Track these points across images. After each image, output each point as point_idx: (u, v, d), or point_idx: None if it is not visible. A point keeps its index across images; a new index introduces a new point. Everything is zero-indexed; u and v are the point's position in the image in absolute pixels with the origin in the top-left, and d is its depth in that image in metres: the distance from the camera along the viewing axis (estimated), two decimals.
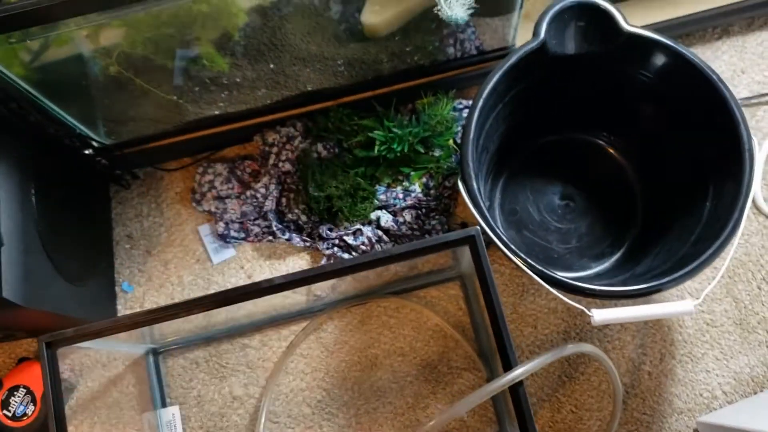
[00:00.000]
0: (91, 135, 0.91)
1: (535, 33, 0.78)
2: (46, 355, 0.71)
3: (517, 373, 0.65)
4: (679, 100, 0.81)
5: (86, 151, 0.92)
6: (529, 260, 0.73)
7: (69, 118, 0.86)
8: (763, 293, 0.91)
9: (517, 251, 0.73)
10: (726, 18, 0.96)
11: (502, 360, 0.67)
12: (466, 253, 0.76)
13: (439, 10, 0.82)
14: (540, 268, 0.72)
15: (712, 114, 0.76)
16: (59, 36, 0.74)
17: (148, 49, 0.86)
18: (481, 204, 0.74)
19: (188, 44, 0.87)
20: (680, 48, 0.77)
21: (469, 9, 0.82)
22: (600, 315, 0.72)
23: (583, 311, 0.73)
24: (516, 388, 0.66)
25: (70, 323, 0.91)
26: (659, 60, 0.78)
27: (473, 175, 0.75)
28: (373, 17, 0.89)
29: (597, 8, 0.77)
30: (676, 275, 0.70)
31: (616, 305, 0.75)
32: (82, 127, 0.89)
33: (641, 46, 0.78)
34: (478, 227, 0.69)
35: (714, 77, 0.75)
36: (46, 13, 0.65)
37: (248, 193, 0.98)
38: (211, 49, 0.87)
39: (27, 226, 0.80)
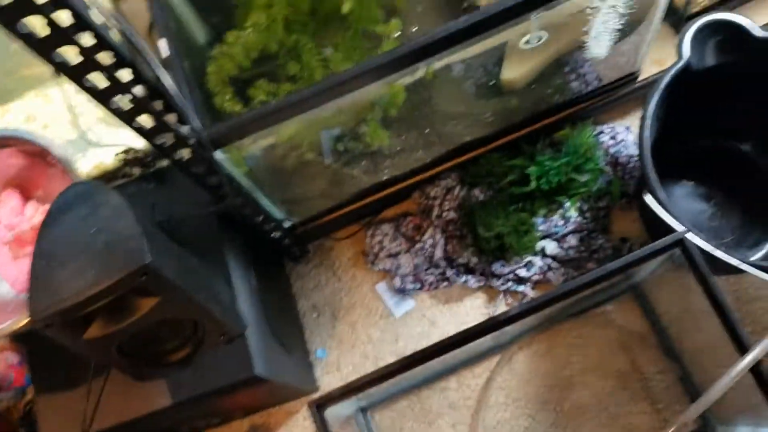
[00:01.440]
0: (280, 217, 1.00)
1: (679, 54, 0.87)
2: (318, 416, 0.78)
3: (758, 351, 0.72)
4: None
5: (275, 234, 1.01)
6: (742, 259, 0.79)
7: (268, 205, 0.95)
8: None
9: (716, 249, 0.80)
10: None
11: (736, 344, 0.74)
12: (650, 262, 0.84)
13: (585, 49, 0.91)
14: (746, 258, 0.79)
15: None
16: (278, 132, 0.83)
17: (325, 137, 0.96)
18: (672, 212, 0.82)
19: (358, 126, 0.96)
20: None
21: (611, 42, 0.91)
22: None
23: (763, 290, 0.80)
24: (758, 367, 0.73)
25: (291, 393, 0.99)
26: None
27: (657, 187, 0.83)
28: (511, 74, 0.98)
29: (730, 23, 0.86)
30: None
31: None
32: (276, 212, 0.98)
33: None
34: (680, 231, 0.77)
35: None
36: (270, 118, 0.74)
37: (417, 246, 1.06)
38: (375, 126, 0.96)
39: (256, 308, 0.89)
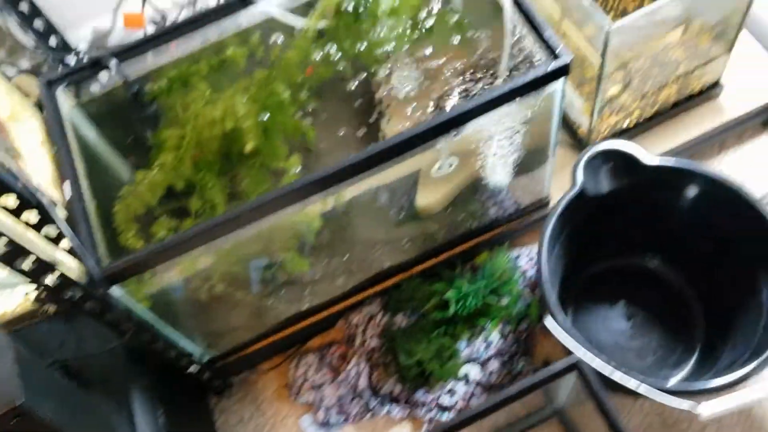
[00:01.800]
0: (196, 351, 1.00)
1: (573, 181, 0.91)
2: None
3: None
4: (708, 211, 0.92)
5: (192, 368, 1.00)
6: (632, 376, 0.80)
7: (180, 340, 0.95)
8: None
9: (617, 368, 0.80)
10: (719, 136, 1.11)
11: None
12: (564, 385, 0.83)
13: (485, 181, 0.95)
14: (649, 380, 0.79)
15: (740, 213, 0.87)
16: (182, 266, 0.85)
17: (241, 266, 0.98)
18: (574, 333, 0.82)
19: (273, 254, 0.98)
20: (693, 166, 0.90)
21: (508, 172, 0.96)
22: (707, 409, 0.77)
23: (689, 412, 0.79)
24: None
25: None
26: (680, 181, 0.91)
27: (557, 311, 0.84)
28: (425, 200, 1.02)
29: (619, 150, 0.91)
30: (755, 363, 0.78)
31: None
32: (190, 346, 0.98)
33: (663, 172, 0.91)
34: (576, 355, 0.77)
35: (734, 182, 0.88)
36: (166, 254, 0.77)
37: (341, 376, 1.05)
38: (293, 255, 0.98)
39: None
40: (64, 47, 1.11)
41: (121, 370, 0.87)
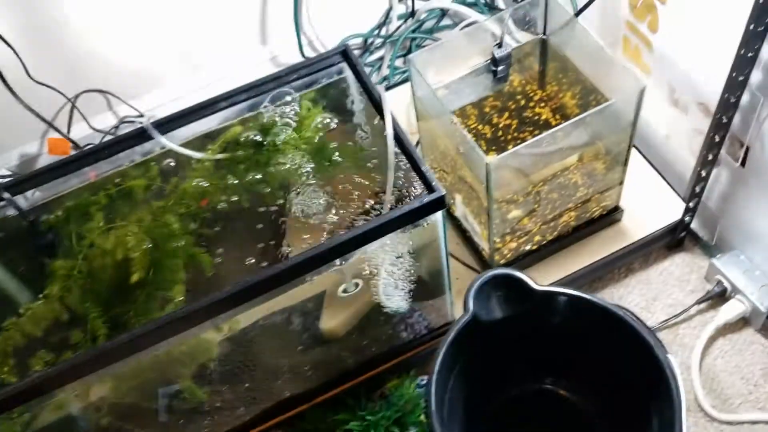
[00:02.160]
0: None
1: (465, 308, 0.92)
2: None
3: None
4: (598, 338, 0.92)
5: None
6: None
7: None
8: None
9: None
10: (624, 259, 1.13)
11: None
12: None
13: (386, 306, 0.96)
14: None
15: (628, 343, 0.87)
16: (55, 402, 0.83)
17: (133, 396, 0.96)
18: None
19: (169, 382, 0.97)
20: (578, 293, 0.91)
21: (404, 297, 0.96)
22: None
23: None
24: None
25: None
26: (568, 307, 0.92)
27: None
28: (330, 323, 1.02)
29: (508, 277, 0.92)
30: None
31: None
32: None
33: (551, 299, 0.92)
34: None
35: (617, 311, 0.88)
36: (41, 387, 0.76)
37: None
38: (190, 383, 0.97)
39: None
40: None
41: None
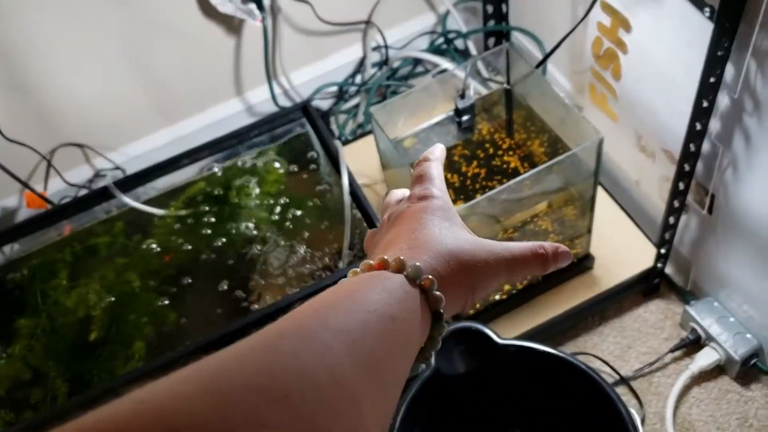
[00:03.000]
0: None
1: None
2: None
3: None
4: (562, 390, 0.92)
5: None
6: None
7: None
8: None
9: None
10: (597, 307, 1.12)
11: None
12: None
13: None
14: None
15: (592, 396, 0.86)
16: None
17: None
18: None
19: None
20: (542, 347, 0.90)
21: None
22: None
23: None
24: None
25: None
26: (532, 361, 0.91)
27: None
28: None
29: (470, 330, 0.92)
30: None
31: None
32: None
33: (516, 353, 0.91)
34: None
35: (580, 365, 0.88)
36: None
37: None
38: None
39: None
40: None
41: None
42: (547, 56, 0.98)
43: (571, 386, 0.91)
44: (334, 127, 1.35)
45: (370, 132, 1.36)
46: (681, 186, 0.98)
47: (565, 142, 1.02)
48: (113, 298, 0.89)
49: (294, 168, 0.98)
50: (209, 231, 0.95)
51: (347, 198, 0.86)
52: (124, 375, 0.80)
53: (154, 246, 0.93)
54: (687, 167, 0.95)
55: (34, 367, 0.87)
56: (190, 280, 0.95)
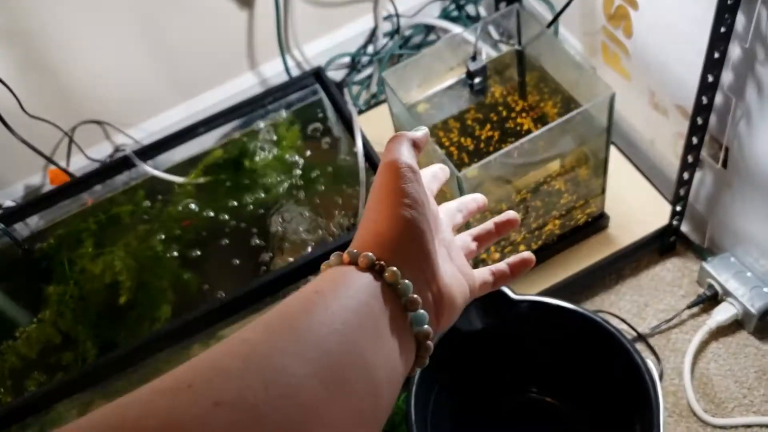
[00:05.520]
0: None
1: None
2: None
3: None
4: (578, 346, 0.93)
5: None
6: None
7: None
8: None
9: None
10: (613, 265, 1.13)
11: None
12: None
13: None
14: None
15: (608, 350, 0.87)
16: (54, 417, 0.87)
17: None
18: None
19: None
20: (558, 302, 0.91)
21: None
22: None
23: None
24: None
25: None
26: (548, 316, 0.92)
27: None
28: None
29: None
30: None
31: None
32: None
33: (532, 308, 0.92)
34: None
35: (596, 318, 0.89)
36: (36, 406, 0.79)
37: None
38: None
39: None
40: None
41: None
42: (558, 14, 0.99)
43: (588, 341, 0.92)
44: (347, 98, 1.36)
45: (383, 101, 1.37)
46: (695, 140, 0.98)
47: (578, 101, 1.02)
48: (138, 264, 0.92)
49: (309, 133, 0.99)
50: (227, 197, 0.97)
51: (362, 160, 0.88)
52: (150, 335, 0.82)
53: (174, 213, 0.96)
54: (700, 121, 0.96)
55: (64, 331, 0.90)
56: (210, 245, 0.97)
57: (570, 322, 0.92)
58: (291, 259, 0.99)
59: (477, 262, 1.07)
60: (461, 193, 0.93)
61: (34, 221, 0.99)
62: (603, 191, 1.08)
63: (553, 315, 0.93)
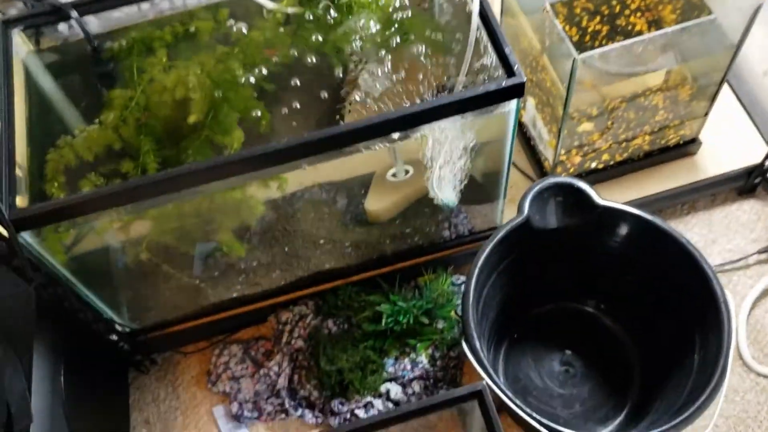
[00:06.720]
0: (117, 320, 0.97)
1: (520, 210, 0.88)
2: None
3: None
4: (654, 264, 0.89)
5: (111, 337, 0.98)
6: (536, 416, 0.76)
7: (99, 303, 0.93)
8: None
9: (523, 406, 0.76)
10: (690, 195, 1.08)
11: None
12: (476, 417, 0.80)
13: (432, 196, 0.93)
14: (549, 423, 0.75)
15: (686, 272, 0.84)
16: (97, 226, 0.84)
17: (173, 238, 0.96)
18: (484, 361, 0.79)
19: (209, 233, 0.97)
20: (646, 215, 0.86)
21: (456, 191, 0.93)
22: None
23: None
24: None
25: None
26: (630, 228, 0.88)
27: (475, 336, 0.81)
28: (375, 205, 1.00)
29: (572, 186, 0.88)
30: (672, 423, 0.73)
31: None
32: (109, 313, 0.96)
33: (615, 216, 0.88)
34: (484, 382, 0.74)
35: (681, 238, 0.84)
36: (80, 208, 0.75)
37: (261, 371, 1.02)
38: (230, 237, 0.97)
39: (55, 406, 0.84)
40: None
41: (28, 321, 0.85)
42: None
43: (665, 260, 0.88)
44: None
45: None
46: None
47: (709, 7, 0.93)
48: (214, 84, 0.85)
49: None
50: (317, 35, 0.90)
51: (476, 17, 0.80)
52: (215, 159, 0.77)
53: (258, 40, 0.89)
54: None
55: (125, 139, 0.85)
56: (286, 84, 0.90)
57: (651, 237, 0.88)
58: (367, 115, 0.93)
59: (556, 163, 1.02)
60: (570, 79, 0.87)
61: (112, 17, 0.91)
62: (706, 114, 1.02)
63: (635, 227, 0.89)
